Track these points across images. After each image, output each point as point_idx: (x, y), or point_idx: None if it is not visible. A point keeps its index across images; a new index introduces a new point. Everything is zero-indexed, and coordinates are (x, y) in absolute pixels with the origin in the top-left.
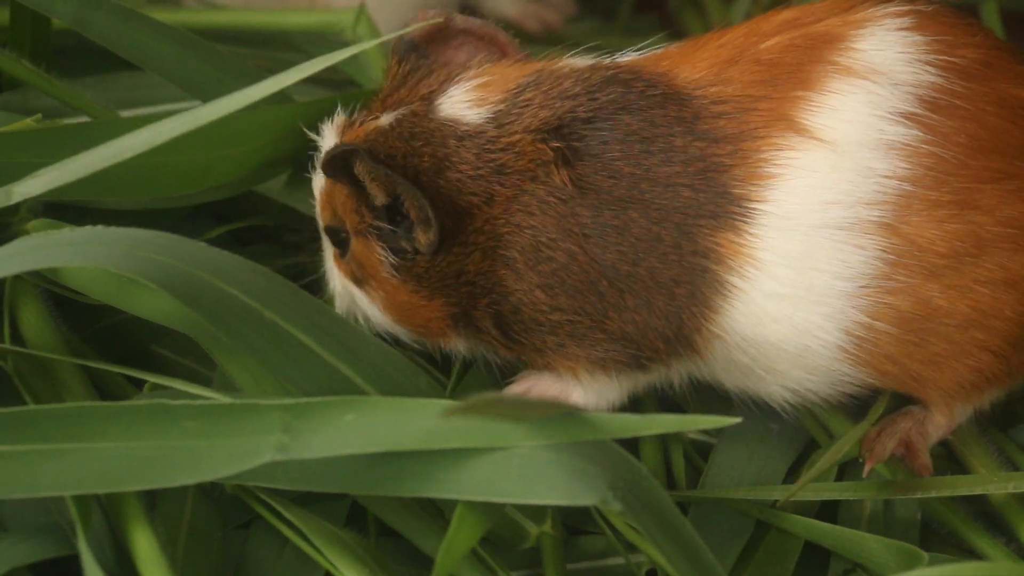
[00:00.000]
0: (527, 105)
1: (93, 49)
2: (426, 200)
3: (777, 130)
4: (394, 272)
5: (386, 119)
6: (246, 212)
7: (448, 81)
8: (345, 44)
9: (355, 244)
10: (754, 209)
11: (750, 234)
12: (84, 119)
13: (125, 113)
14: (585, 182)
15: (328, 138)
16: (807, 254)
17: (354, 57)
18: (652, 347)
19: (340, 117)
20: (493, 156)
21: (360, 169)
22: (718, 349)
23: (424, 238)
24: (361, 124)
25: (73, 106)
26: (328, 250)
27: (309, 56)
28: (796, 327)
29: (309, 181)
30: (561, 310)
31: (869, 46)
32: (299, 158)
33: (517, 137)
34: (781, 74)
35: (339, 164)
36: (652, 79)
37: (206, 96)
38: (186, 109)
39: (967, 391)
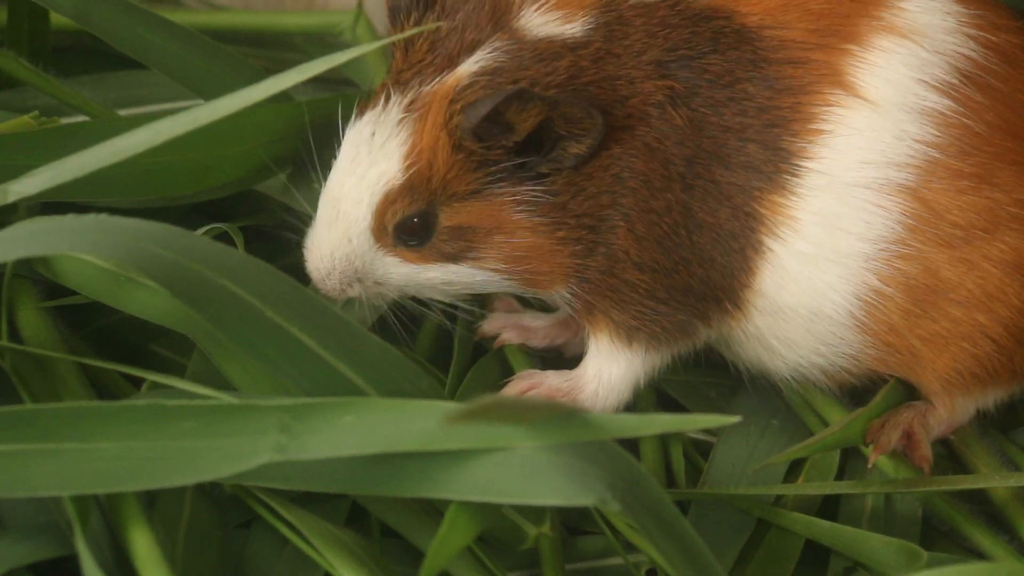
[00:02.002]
0: (627, 26)
1: (91, 48)
2: (590, 103)
3: (828, 85)
4: (531, 210)
5: (478, 62)
6: (246, 211)
7: (504, 11)
8: (344, 45)
9: (456, 211)
10: (802, 167)
11: (794, 194)
12: (82, 118)
13: (124, 112)
14: (692, 124)
15: (382, 136)
16: (838, 214)
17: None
18: (714, 297)
19: (380, 107)
20: (607, 71)
21: (515, 109)
22: (748, 312)
23: (580, 147)
24: (432, 88)
25: (71, 105)
26: (380, 267)
27: (309, 57)
28: (814, 288)
29: (309, 181)
30: (639, 267)
31: (914, 6)
32: (299, 158)
33: (632, 63)
34: (830, 25)
35: (505, 109)
36: (727, 12)
37: (208, 94)
38: (185, 109)
39: (967, 381)
